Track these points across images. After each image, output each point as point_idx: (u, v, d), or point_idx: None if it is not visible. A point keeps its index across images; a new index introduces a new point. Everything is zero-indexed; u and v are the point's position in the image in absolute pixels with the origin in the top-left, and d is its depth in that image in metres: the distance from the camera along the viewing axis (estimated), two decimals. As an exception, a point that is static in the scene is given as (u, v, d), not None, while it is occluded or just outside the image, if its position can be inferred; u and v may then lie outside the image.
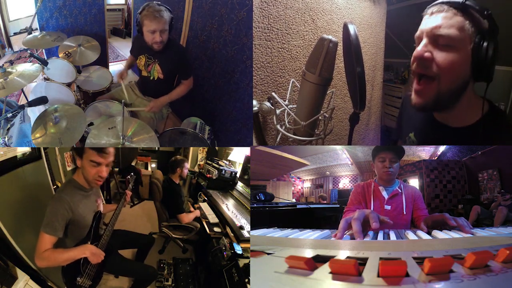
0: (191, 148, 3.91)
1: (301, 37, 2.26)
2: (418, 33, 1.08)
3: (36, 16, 2.87)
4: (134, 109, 2.46)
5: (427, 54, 1.03)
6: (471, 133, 1.11)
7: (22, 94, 2.69)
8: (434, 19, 1.03)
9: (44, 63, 2.36)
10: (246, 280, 1.63)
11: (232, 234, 2.12)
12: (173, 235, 2.64)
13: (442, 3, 1.04)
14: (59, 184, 2.25)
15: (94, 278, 1.54)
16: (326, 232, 1.08)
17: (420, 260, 0.59)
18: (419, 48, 1.04)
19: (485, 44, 0.98)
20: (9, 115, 1.91)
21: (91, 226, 1.60)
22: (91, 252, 1.47)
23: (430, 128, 1.23)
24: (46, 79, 2.53)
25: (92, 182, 1.61)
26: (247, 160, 3.29)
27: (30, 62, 2.49)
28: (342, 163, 6.12)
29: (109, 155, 1.60)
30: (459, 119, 1.14)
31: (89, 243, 1.55)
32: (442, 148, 4.36)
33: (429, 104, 1.09)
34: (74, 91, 2.55)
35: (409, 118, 1.39)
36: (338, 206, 3.21)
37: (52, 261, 1.42)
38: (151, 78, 2.40)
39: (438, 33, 1.02)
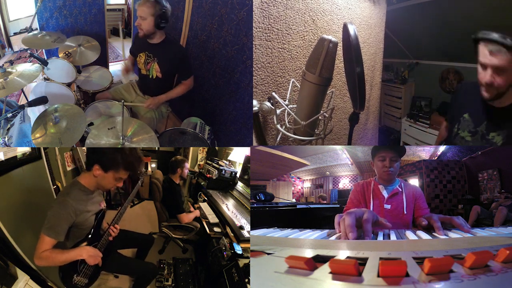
0: (191, 148, 3.91)
1: (301, 37, 2.26)
2: (483, 61, 1.40)
3: (36, 16, 2.87)
4: (132, 104, 2.46)
5: (493, 81, 1.40)
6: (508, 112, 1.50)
7: (22, 94, 2.70)
8: (495, 58, 1.36)
9: (44, 63, 2.36)
10: (246, 280, 1.63)
11: (232, 234, 2.12)
12: (173, 235, 2.64)
13: (499, 44, 1.34)
14: (59, 184, 2.26)
15: (91, 277, 1.55)
16: (326, 232, 1.08)
17: (420, 260, 0.59)
18: (487, 78, 1.40)
19: None
20: (9, 115, 1.91)
21: (93, 226, 1.60)
22: (88, 254, 1.47)
23: (482, 108, 1.57)
24: (46, 79, 2.53)
25: (108, 189, 1.67)
26: (247, 160, 3.28)
27: (30, 62, 2.49)
28: (342, 163, 6.12)
29: (138, 173, 1.69)
30: (502, 102, 1.50)
31: (85, 244, 1.55)
32: (442, 148, 4.37)
33: (493, 96, 1.46)
34: (74, 91, 2.55)
35: (464, 104, 1.68)
36: (338, 206, 3.21)
37: (50, 261, 1.44)
38: (150, 76, 2.41)
39: (499, 67, 1.37)
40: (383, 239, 0.98)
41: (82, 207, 1.54)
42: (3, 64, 2.44)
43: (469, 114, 1.65)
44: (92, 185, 1.61)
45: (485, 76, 1.43)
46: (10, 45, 3.41)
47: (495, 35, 1.37)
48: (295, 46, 2.23)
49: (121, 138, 1.88)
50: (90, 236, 1.58)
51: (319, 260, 0.62)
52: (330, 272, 0.55)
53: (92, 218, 1.62)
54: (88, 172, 1.60)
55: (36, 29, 2.91)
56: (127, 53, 4.18)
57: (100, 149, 1.60)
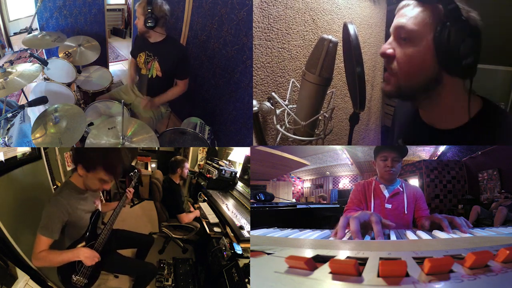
0: (191, 148, 3.91)
1: (301, 37, 2.26)
2: (390, 30, 1.11)
3: (36, 16, 2.87)
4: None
5: (389, 51, 1.06)
6: (459, 136, 1.05)
7: (22, 94, 2.69)
8: (398, 16, 1.05)
9: (44, 63, 2.36)
10: (246, 280, 1.63)
11: (232, 234, 2.12)
12: (173, 235, 2.64)
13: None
14: (59, 184, 2.25)
15: (90, 277, 1.55)
16: (326, 232, 1.08)
17: (420, 260, 0.59)
18: (385, 45, 1.08)
19: (447, 32, 0.93)
20: (9, 115, 1.91)
21: (88, 226, 1.61)
22: (85, 256, 1.48)
23: (417, 131, 1.20)
24: (46, 79, 2.53)
25: (95, 191, 1.64)
26: (247, 160, 3.28)
27: (30, 62, 2.49)
28: (342, 163, 6.12)
29: (118, 175, 1.61)
30: (446, 120, 1.10)
31: (84, 243, 1.55)
32: (442, 148, 4.36)
33: (392, 93, 1.10)
34: (74, 91, 2.55)
35: (398, 124, 1.40)
36: (338, 206, 3.21)
37: (48, 262, 1.45)
38: (150, 76, 2.41)
39: (399, 28, 1.03)
40: (383, 239, 0.98)
41: (74, 205, 1.55)
42: (3, 64, 2.44)
43: (403, 139, 1.31)
44: (82, 185, 1.62)
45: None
46: (10, 45, 3.41)
47: None
48: (295, 46, 2.23)
49: (121, 138, 1.88)
50: (87, 235, 1.58)
51: (319, 260, 0.62)
52: (330, 272, 0.55)
53: (87, 217, 1.62)
54: (76, 172, 1.62)
55: (36, 29, 2.90)
56: (127, 54, 4.18)
57: (83, 149, 1.59)
